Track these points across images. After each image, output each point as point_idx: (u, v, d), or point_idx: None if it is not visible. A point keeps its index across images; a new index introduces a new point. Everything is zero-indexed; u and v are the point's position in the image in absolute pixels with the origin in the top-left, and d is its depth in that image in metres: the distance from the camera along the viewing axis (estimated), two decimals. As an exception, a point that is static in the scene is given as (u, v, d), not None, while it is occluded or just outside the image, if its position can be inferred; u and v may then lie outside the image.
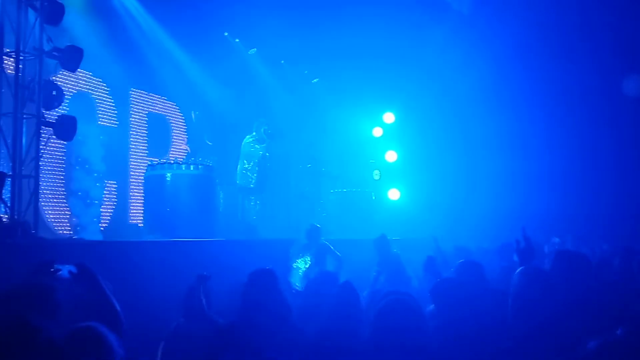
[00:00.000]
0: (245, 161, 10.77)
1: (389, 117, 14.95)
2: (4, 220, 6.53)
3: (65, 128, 7.49)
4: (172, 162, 9.50)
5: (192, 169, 9.36)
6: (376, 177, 14.78)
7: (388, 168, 14.92)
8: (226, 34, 13.11)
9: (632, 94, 12.10)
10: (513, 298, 3.56)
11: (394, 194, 14.59)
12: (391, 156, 14.90)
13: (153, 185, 9.39)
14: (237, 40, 13.35)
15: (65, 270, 3.33)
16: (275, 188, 12.16)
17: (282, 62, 14.15)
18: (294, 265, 8.29)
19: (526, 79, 13.17)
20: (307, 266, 8.13)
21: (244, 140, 10.91)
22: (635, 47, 11.88)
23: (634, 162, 12.28)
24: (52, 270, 3.47)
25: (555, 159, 12.89)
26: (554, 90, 12.85)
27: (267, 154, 10.92)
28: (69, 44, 7.89)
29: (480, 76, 13.03)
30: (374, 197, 13.93)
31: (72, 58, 7.72)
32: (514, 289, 3.59)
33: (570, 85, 12.64)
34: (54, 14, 7.65)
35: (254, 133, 10.93)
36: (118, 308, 3.33)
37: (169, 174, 9.15)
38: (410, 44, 12.56)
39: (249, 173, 10.70)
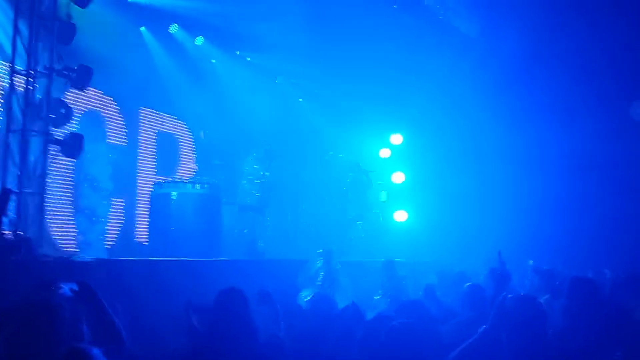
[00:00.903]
0: (245, 180, 10.80)
1: (396, 138, 14.94)
2: (8, 236, 6.56)
3: (73, 146, 7.57)
4: (178, 180, 9.53)
5: (197, 187, 9.38)
6: (383, 199, 14.72)
7: (396, 189, 14.87)
8: (238, 52, 13.20)
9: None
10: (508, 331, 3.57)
11: (401, 216, 14.52)
12: (399, 177, 14.85)
13: (159, 203, 9.41)
14: (249, 59, 13.43)
15: (67, 288, 3.34)
16: (278, 208, 12.14)
17: (292, 80, 14.17)
18: (302, 286, 8.19)
19: (534, 102, 13.16)
20: (315, 289, 8.03)
21: (245, 159, 10.96)
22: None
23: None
24: (53, 288, 3.48)
25: (564, 181, 12.81)
26: (562, 112, 12.81)
27: (268, 173, 10.94)
28: (79, 62, 8.00)
29: (488, 98, 13.04)
30: (381, 219, 13.91)
31: (81, 77, 7.83)
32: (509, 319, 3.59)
33: (579, 107, 12.60)
34: (66, 33, 7.79)
35: (254, 154, 11.00)
36: (120, 327, 3.34)
37: (174, 193, 9.17)
38: (418, 65, 12.61)
39: (249, 191, 10.74)
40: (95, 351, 2.72)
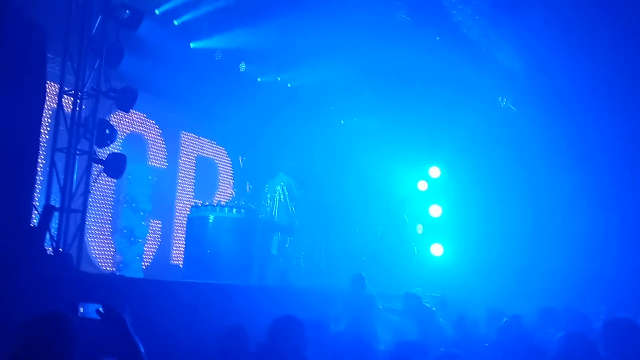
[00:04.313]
0: (279, 200, 10.72)
1: (434, 171, 14.84)
2: (49, 252, 6.67)
3: (115, 166, 7.70)
4: (215, 204, 9.58)
5: (234, 212, 9.42)
6: (419, 232, 14.58)
7: (432, 223, 14.71)
8: (279, 78, 13.28)
9: None
10: None
11: (437, 250, 14.33)
12: (436, 211, 14.70)
13: (195, 226, 9.47)
14: (290, 85, 13.51)
15: (92, 308, 3.30)
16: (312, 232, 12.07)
17: (332, 108, 14.19)
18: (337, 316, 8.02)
19: (579, 138, 12.87)
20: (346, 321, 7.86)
21: (276, 180, 10.89)
22: None
23: None
24: (78, 308, 3.45)
25: (605, 221, 12.43)
26: (605, 145, 12.50)
27: (302, 191, 10.85)
28: (125, 84, 8.20)
29: (529, 133, 12.86)
30: (416, 252, 13.76)
31: (126, 99, 8.01)
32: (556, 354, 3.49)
33: (623, 140, 12.30)
34: (113, 56, 8.00)
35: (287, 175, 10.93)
36: (142, 351, 3.30)
37: (211, 216, 9.22)
38: (458, 98, 12.54)
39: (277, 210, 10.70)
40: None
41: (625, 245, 11.93)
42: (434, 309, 7.28)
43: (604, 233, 12.18)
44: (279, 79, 13.28)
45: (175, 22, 10.91)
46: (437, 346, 4.36)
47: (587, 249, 12.20)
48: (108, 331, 3.34)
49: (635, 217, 11.98)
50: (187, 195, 12.61)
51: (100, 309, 3.21)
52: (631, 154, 12.27)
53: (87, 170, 7.57)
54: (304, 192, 11.12)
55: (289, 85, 13.46)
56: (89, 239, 10.22)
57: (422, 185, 15.02)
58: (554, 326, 6.09)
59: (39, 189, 8.13)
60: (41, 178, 8.05)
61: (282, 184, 10.93)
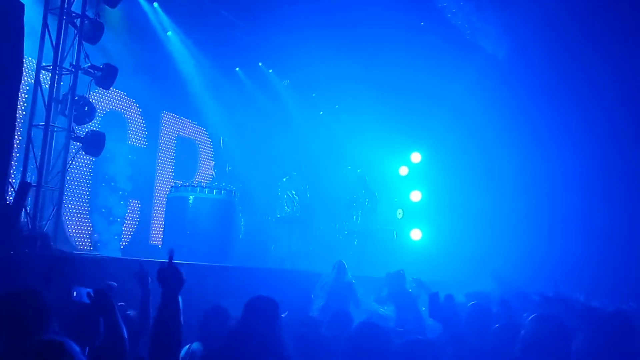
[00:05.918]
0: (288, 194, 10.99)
1: (416, 157, 14.86)
2: (25, 230, 6.57)
3: (94, 143, 7.60)
4: (195, 185, 9.52)
5: (214, 193, 9.37)
6: (399, 216, 14.62)
7: (413, 208, 14.76)
8: (260, 64, 13.25)
9: None
10: (523, 342, 3.52)
11: (415, 234, 14.40)
12: (416, 196, 14.75)
13: (175, 206, 9.41)
14: (271, 71, 13.49)
15: (84, 292, 3.27)
16: (313, 221, 12.21)
17: (314, 95, 14.24)
18: (316, 297, 8.14)
19: (557, 126, 12.96)
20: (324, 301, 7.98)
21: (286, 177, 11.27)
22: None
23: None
24: (72, 293, 3.43)
25: (584, 203, 12.56)
26: (583, 134, 12.61)
27: (309, 195, 11.19)
28: (105, 62, 8.05)
29: (510, 120, 12.91)
30: (395, 236, 13.80)
31: (106, 76, 7.88)
32: (526, 334, 3.54)
33: (600, 129, 12.41)
34: (93, 32, 7.85)
35: (294, 173, 11.28)
36: (125, 336, 3.28)
37: (191, 197, 9.17)
38: (441, 84, 12.54)
39: (293, 204, 10.97)
40: (75, 348, 2.63)
41: (602, 231, 12.09)
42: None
43: (584, 218, 12.32)
44: (260, 64, 13.22)
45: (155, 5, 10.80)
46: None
47: (565, 233, 12.34)
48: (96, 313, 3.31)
49: (615, 205, 12.13)
50: (167, 175, 12.50)
51: (91, 292, 3.19)
52: (610, 144, 12.39)
53: (65, 148, 7.45)
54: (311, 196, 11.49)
55: (270, 71, 13.41)
56: (66, 217, 10.10)
57: (403, 171, 15.05)
58: (528, 310, 6.13)
59: (15, 165, 7.98)
60: (17, 154, 7.90)
61: (291, 184, 11.23)
